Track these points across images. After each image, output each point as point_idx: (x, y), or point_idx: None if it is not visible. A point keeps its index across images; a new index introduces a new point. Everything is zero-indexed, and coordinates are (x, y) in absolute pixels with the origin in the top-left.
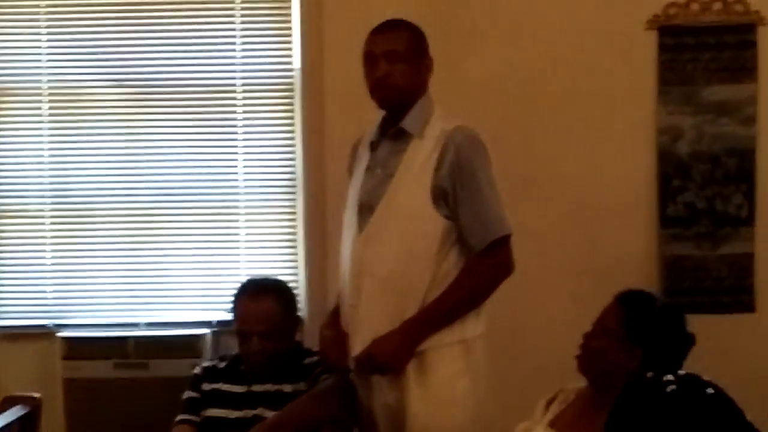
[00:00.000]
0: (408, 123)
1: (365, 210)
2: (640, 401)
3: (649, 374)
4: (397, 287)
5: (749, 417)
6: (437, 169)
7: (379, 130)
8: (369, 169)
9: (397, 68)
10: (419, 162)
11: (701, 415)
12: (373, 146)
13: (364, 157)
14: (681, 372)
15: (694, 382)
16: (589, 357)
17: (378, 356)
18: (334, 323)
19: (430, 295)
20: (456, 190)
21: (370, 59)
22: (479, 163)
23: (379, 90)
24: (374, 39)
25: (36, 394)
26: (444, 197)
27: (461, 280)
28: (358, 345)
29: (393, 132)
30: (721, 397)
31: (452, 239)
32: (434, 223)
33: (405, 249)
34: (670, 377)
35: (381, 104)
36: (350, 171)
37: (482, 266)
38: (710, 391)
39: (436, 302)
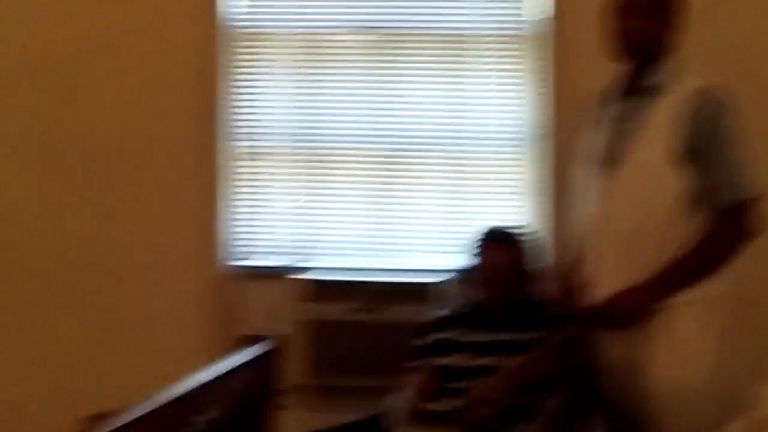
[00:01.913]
0: (655, 79)
1: (607, 165)
2: None
3: None
4: (636, 243)
5: None
6: (684, 127)
7: (623, 83)
8: (612, 123)
9: (646, 23)
10: (665, 119)
11: None
12: (618, 99)
13: (607, 110)
14: None
15: None
16: None
17: (615, 311)
18: (571, 275)
19: (669, 252)
20: (703, 149)
21: (621, 13)
22: (726, 124)
23: (625, 43)
24: None
25: (277, 332)
26: (690, 156)
27: (703, 243)
28: (596, 297)
29: (639, 87)
30: None
31: (695, 199)
32: (677, 181)
33: (645, 206)
34: None
35: (625, 58)
36: (591, 123)
37: (725, 229)
38: None
39: (677, 263)
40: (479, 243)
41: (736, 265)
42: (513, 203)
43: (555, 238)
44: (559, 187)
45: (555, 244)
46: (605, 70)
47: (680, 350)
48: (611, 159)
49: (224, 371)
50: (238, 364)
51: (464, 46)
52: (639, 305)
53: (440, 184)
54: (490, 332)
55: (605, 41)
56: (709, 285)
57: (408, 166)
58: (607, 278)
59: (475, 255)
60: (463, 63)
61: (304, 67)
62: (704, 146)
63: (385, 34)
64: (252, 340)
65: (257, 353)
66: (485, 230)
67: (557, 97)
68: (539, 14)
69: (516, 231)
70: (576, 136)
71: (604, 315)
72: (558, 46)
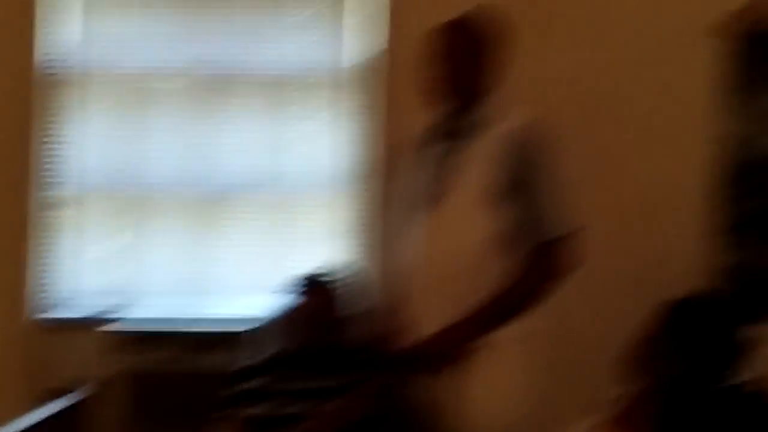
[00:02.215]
0: (472, 120)
1: (425, 206)
2: (684, 402)
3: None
4: (452, 285)
5: None
6: (497, 167)
7: (442, 125)
8: (431, 165)
9: (463, 66)
10: (480, 159)
11: (743, 415)
12: (436, 142)
13: (426, 152)
14: (722, 374)
15: (735, 383)
16: (637, 362)
17: (428, 353)
18: (390, 316)
19: (486, 292)
20: (517, 188)
21: (435, 54)
22: (541, 164)
23: (440, 86)
24: (441, 33)
25: (88, 385)
26: (504, 195)
27: (514, 283)
28: (412, 340)
29: (457, 128)
30: (759, 395)
31: (509, 238)
32: (490, 221)
33: (461, 246)
34: (712, 379)
35: (440, 100)
36: (411, 165)
37: (537, 268)
38: (749, 389)
39: (489, 303)
40: (296, 288)
41: (550, 303)
42: (333, 246)
43: (375, 280)
44: (379, 229)
45: (375, 287)
46: (424, 113)
47: (493, 391)
48: (429, 201)
49: (31, 425)
50: (45, 418)
51: (286, 89)
52: (451, 347)
53: (262, 228)
54: (305, 379)
55: (423, 85)
56: (520, 324)
57: (229, 210)
58: (427, 321)
59: (292, 300)
60: (285, 106)
61: (125, 110)
62: (516, 186)
63: (208, 78)
64: (60, 392)
65: (64, 406)
66: (302, 275)
67: (377, 140)
68: (359, 58)
69: (333, 275)
70: (396, 178)
71: (419, 358)
72: (378, 89)
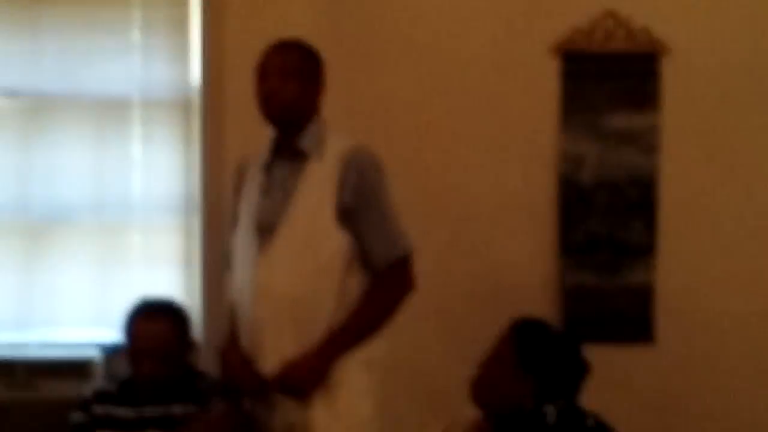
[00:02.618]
0: (304, 143)
1: (265, 231)
2: None
3: (530, 405)
4: (304, 308)
5: None
6: (339, 189)
7: (272, 151)
8: (266, 190)
9: (287, 85)
10: (320, 182)
11: None
12: (268, 167)
13: (257, 178)
14: (562, 403)
15: (575, 413)
16: (482, 386)
17: (291, 380)
18: (236, 346)
19: (337, 315)
20: (358, 210)
21: (262, 73)
22: (380, 184)
23: (267, 103)
24: (270, 55)
25: None
26: (347, 217)
27: (368, 301)
28: (265, 368)
29: (289, 153)
30: (601, 428)
31: (356, 258)
32: (339, 243)
33: (310, 270)
34: (550, 408)
35: (267, 117)
36: (237, 192)
37: (387, 286)
38: (590, 423)
39: (346, 324)
40: (130, 315)
41: (396, 333)
42: (168, 274)
43: (209, 308)
44: (212, 257)
45: (209, 315)
46: (259, 137)
47: (342, 418)
48: (267, 226)
49: None
50: None
51: (119, 111)
52: (312, 373)
53: (94, 255)
54: (141, 407)
55: (256, 105)
56: (366, 347)
57: (59, 235)
58: (273, 347)
59: (126, 328)
60: (118, 129)
61: None
62: (360, 207)
63: (34, 100)
64: None
65: None
66: (135, 303)
67: (209, 165)
68: (192, 81)
69: (167, 303)
70: (229, 203)
71: (277, 386)
72: (210, 113)
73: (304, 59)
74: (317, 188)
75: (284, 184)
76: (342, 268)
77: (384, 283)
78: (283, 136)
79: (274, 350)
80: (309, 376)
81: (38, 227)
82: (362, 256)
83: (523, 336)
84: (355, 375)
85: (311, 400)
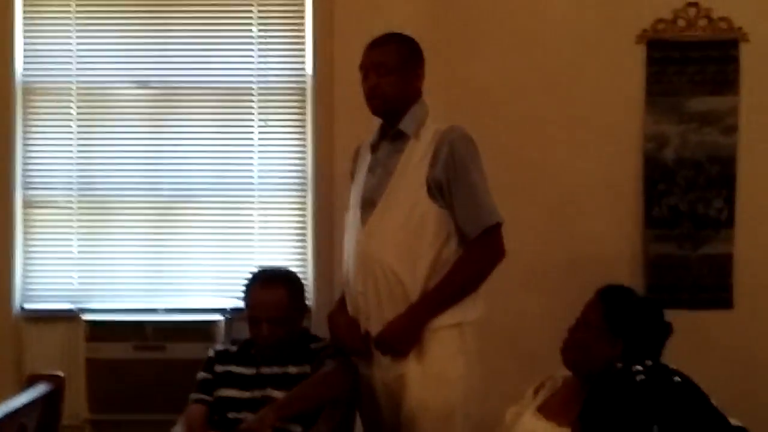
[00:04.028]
0: (404, 126)
1: (368, 206)
2: (611, 390)
3: (619, 365)
4: (400, 275)
5: (721, 405)
6: (432, 165)
7: (378, 133)
8: (370, 169)
9: (385, 80)
10: (416, 159)
11: (669, 401)
12: (374, 148)
13: (365, 159)
14: (649, 362)
15: (662, 371)
16: (573, 349)
17: (387, 340)
18: (344, 310)
19: (431, 281)
20: (450, 183)
21: (363, 71)
22: (471, 159)
23: (370, 99)
24: (366, 53)
25: (60, 373)
26: (440, 190)
27: (458, 266)
28: (368, 329)
29: (391, 134)
30: (687, 384)
31: (449, 229)
32: (431, 214)
33: (405, 239)
34: (639, 367)
35: (372, 111)
36: (352, 173)
37: (477, 252)
38: (677, 379)
39: (437, 288)
40: (248, 283)
41: (492, 299)
42: (284, 246)
43: (320, 277)
44: (324, 231)
45: (320, 283)
46: (366, 121)
47: (433, 375)
48: (369, 202)
49: (10, 411)
50: (23, 404)
51: (240, 98)
52: (406, 333)
53: (217, 229)
54: (259, 367)
55: (364, 95)
56: (458, 312)
57: (186, 212)
58: (374, 310)
59: (246, 295)
60: (240, 115)
61: (86, 119)
62: (449, 181)
63: (163, 89)
64: (37, 380)
65: (42, 393)
66: (254, 272)
67: (322, 147)
68: (307, 70)
69: (283, 272)
70: (343, 184)
71: (379, 344)
72: (321, 101)
73: (399, 51)
74: (414, 165)
75: (386, 163)
76: (436, 240)
77: (474, 250)
78: (387, 121)
79: (377, 314)
80: (403, 336)
81: (167, 205)
82: (456, 226)
83: (611, 301)
84: (447, 337)
85: (406, 359)
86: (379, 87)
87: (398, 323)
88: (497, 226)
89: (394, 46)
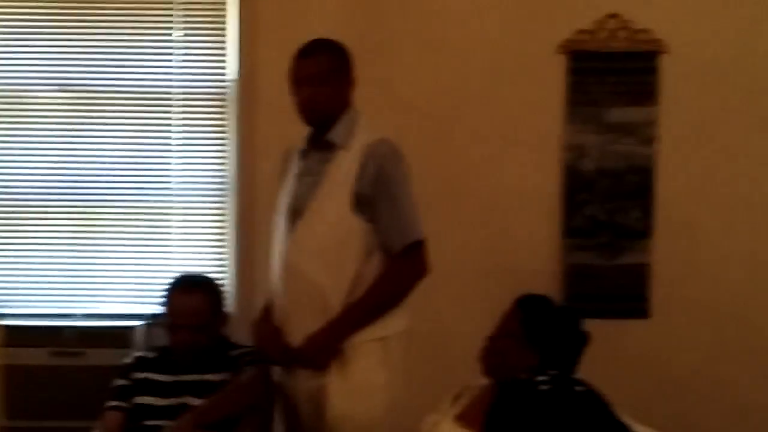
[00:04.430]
0: (334, 135)
1: (294, 214)
2: (513, 399)
3: (523, 375)
4: (322, 288)
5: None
6: (359, 178)
7: (308, 140)
8: (298, 176)
9: (319, 91)
10: (343, 171)
11: (569, 411)
12: (303, 155)
13: (294, 165)
14: (553, 372)
15: (565, 381)
16: (491, 357)
17: (307, 353)
18: (268, 319)
19: (352, 296)
20: (376, 197)
21: (294, 82)
22: (397, 175)
23: (305, 111)
24: (297, 64)
25: None
26: (364, 204)
27: (380, 282)
28: (292, 340)
29: (321, 143)
30: (589, 394)
31: (373, 244)
32: (356, 228)
33: (329, 252)
34: (543, 377)
35: (307, 123)
36: (280, 177)
37: (399, 269)
38: (579, 389)
39: (358, 303)
40: (168, 289)
41: (411, 308)
42: (204, 252)
43: (240, 283)
44: (245, 237)
45: (241, 290)
46: (289, 127)
47: (354, 387)
48: (296, 211)
49: None
50: None
51: (161, 103)
52: (325, 348)
53: (137, 234)
54: (178, 374)
55: (294, 105)
56: (381, 325)
57: (105, 216)
58: (295, 322)
59: (165, 300)
60: (161, 119)
61: (2, 122)
62: (374, 195)
63: (82, 92)
64: None
65: None
66: (174, 277)
67: (244, 153)
68: (228, 75)
69: (203, 278)
70: (265, 189)
71: (298, 357)
72: (245, 105)
73: (331, 60)
74: (340, 177)
75: (314, 172)
76: (359, 254)
77: (397, 266)
78: (317, 129)
79: (299, 325)
80: (321, 351)
81: (85, 209)
82: (379, 241)
83: (528, 310)
84: (367, 351)
85: (328, 371)
86: (313, 99)
87: (317, 337)
88: (420, 243)
89: (326, 56)
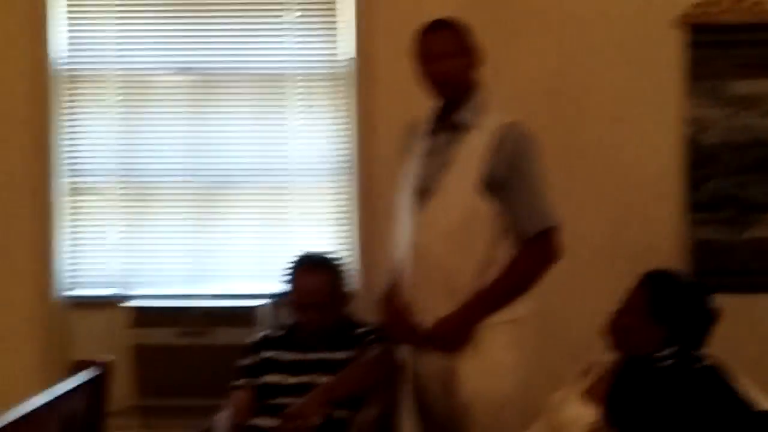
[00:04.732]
0: (465, 115)
1: (422, 195)
2: (634, 376)
3: (647, 351)
4: (451, 269)
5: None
6: (492, 160)
7: (435, 118)
8: (426, 155)
9: (454, 63)
10: (474, 152)
11: (689, 387)
12: (430, 134)
13: (420, 143)
14: (676, 348)
15: (688, 357)
16: (617, 334)
17: (438, 337)
18: (395, 297)
19: (481, 278)
20: (509, 180)
21: (428, 58)
22: (532, 158)
23: (439, 84)
24: (429, 38)
25: (107, 358)
26: (497, 187)
27: (513, 267)
28: (420, 320)
29: (450, 122)
30: (710, 371)
31: (501, 228)
32: (486, 210)
33: (458, 234)
34: (665, 353)
35: (441, 96)
36: (403, 152)
37: (532, 254)
38: (701, 365)
39: (490, 287)
40: (292, 269)
41: (537, 290)
42: (325, 231)
43: (364, 261)
44: (367, 215)
45: (365, 267)
46: (407, 105)
47: (486, 366)
48: (424, 191)
49: (57, 396)
50: (70, 389)
51: (278, 84)
52: (457, 332)
53: (258, 215)
54: (305, 352)
55: (419, 82)
56: (512, 308)
57: (227, 198)
58: (423, 303)
59: (289, 280)
60: (278, 101)
61: (127, 106)
62: (508, 179)
63: (205, 75)
64: (83, 365)
65: (88, 378)
66: (298, 257)
67: (363, 131)
68: (346, 55)
69: (326, 257)
70: (386, 167)
71: (431, 338)
72: (363, 84)
73: (461, 37)
74: (471, 158)
75: (443, 151)
76: (488, 237)
77: (528, 252)
78: (445, 108)
79: (427, 306)
80: (454, 334)
81: (209, 191)
82: (511, 225)
83: (654, 285)
84: (499, 332)
85: (462, 353)
86: (449, 71)
87: (450, 320)
88: (553, 229)
89: (457, 31)
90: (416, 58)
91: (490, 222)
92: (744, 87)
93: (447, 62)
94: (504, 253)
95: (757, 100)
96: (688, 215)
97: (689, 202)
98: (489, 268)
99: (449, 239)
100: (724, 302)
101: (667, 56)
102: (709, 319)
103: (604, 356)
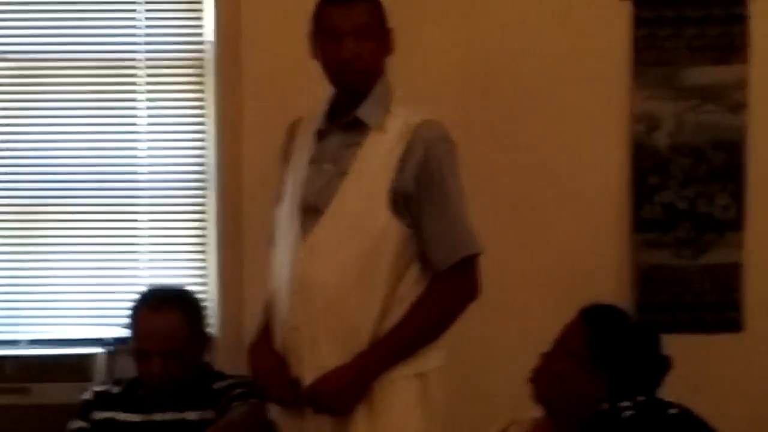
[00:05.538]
0: (365, 112)
1: (310, 212)
2: None
3: (605, 405)
4: (346, 308)
5: None
6: (400, 170)
7: (326, 116)
8: (315, 162)
9: (366, 47)
10: (379, 159)
11: None
12: (320, 135)
13: (306, 147)
14: (640, 398)
15: (654, 405)
16: (547, 382)
17: (324, 396)
18: (268, 345)
19: (386, 318)
20: (421, 197)
21: (332, 35)
22: (450, 168)
23: (346, 72)
24: (337, 11)
25: None
26: (406, 204)
27: (423, 306)
28: (299, 374)
29: (346, 121)
30: (686, 416)
31: (412, 253)
32: (393, 232)
33: (358, 262)
34: (626, 403)
35: (345, 89)
36: (284, 158)
37: (447, 290)
38: (673, 411)
39: (395, 332)
40: (135, 308)
41: (450, 334)
42: (179, 260)
43: (226, 297)
44: (233, 239)
45: (226, 306)
46: (281, 101)
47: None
48: (312, 208)
49: None
50: None
51: (123, 73)
52: (349, 390)
53: (93, 239)
54: (148, 413)
55: (320, 67)
56: (418, 358)
57: (53, 218)
58: (310, 351)
59: (132, 323)
60: (122, 93)
61: None
62: (424, 194)
63: (23, 61)
64: None
65: None
66: (142, 293)
67: (227, 133)
68: (208, 36)
69: (178, 292)
70: (254, 179)
71: (314, 398)
72: (226, 74)
73: (375, 12)
74: (375, 166)
75: (337, 158)
76: (396, 263)
77: (442, 287)
78: (343, 100)
79: (311, 355)
80: (344, 394)
81: (30, 208)
82: (421, 253)
83: (596, 324)
84: (402, 389)
85: (350, 417)
86: (359, 57)
87: (340, 376)
88: (474, 258)
89: (373, 5)
90: (315, 34)
91: (396, 248)
92: (701, 75)
93: (359, 43)
94: (411, 288)
95: (717, 92)
96: (634, 235)
97: (635, 219)
98: (393, 308)
99: (346, 270)
100: (676, 343)
101: (610, 35)
102: (661, 366)
103: (523, 414)
